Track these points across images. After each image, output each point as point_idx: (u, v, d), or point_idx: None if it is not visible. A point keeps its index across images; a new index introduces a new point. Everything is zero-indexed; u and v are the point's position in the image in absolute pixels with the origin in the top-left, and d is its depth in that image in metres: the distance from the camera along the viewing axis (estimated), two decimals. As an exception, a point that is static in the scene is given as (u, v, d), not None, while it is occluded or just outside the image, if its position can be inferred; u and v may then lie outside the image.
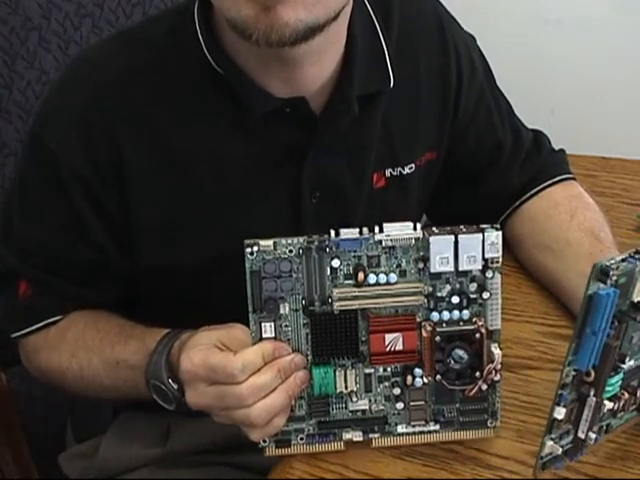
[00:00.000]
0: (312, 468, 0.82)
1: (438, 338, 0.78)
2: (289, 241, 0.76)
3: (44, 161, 0.91)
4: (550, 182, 1.09)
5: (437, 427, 0.82)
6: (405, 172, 1.01)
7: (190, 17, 0.90)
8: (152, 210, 0.91)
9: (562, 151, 1.14)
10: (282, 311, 0.77)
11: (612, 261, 0.71)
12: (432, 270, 0.77)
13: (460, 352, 0.78)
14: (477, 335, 0.78)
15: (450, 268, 0.77)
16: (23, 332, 0.96)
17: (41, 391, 1.25)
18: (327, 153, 0.93)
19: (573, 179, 1.12)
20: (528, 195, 1.09)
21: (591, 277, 0.70)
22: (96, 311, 0.96)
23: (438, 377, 0.79)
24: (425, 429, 0.82)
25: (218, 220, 0.93)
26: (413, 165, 1.01)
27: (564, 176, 1.11)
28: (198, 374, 0.77)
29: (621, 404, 0.79)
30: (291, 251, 0.76)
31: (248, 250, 0.75)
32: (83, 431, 1.12)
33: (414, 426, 0.82)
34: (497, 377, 0.80)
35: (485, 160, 1.08)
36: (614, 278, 0.71)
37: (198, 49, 0.89)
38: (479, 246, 0.77)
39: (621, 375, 0.77)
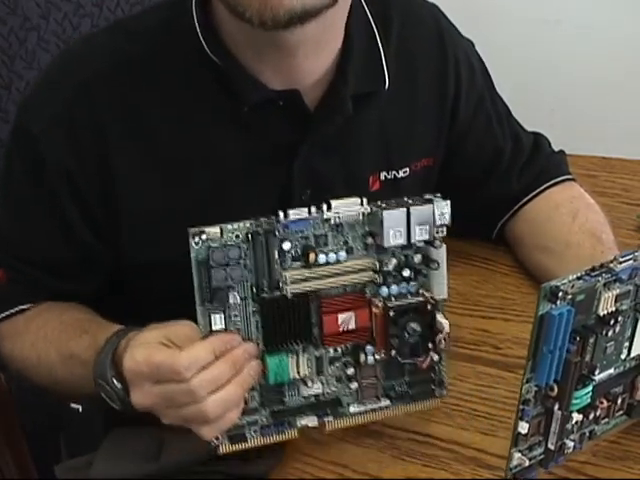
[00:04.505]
0: (312, 468, 0.82)
1: (392, 313, 0.78)
2: (235, 226, 0.74)
3: (27, 151, 0.91)
4: (550, 183, 1.09)
5: (388, 402, 0.82)
6: (399, 176, 1.00)
7: (186, 8, 0.90)
8: (139, 204, 0.90)
9: (562, 152, 1.14)
10: (231, 300, 0.76)
11: (563, 281, 0.70)
12: (386, 245, 0.77)
13: (414, 325, 0.78)
14: (429, 307, 0.79)
15: (403, 241, 0.78)
16: None
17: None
18: (319, 151, 0.93)
19: (573, 180, 1.12)
20: (529, 197, 1.09)
21: (540, 298, 0.70)
22: (65, 303, 0.95)
23: (393, 352, 0.79)
24: (377, 406, 0.82)
25: (206, 215, 0.92)
26: (408, 169, 1.01)
27: (564, 177, 1.11)
28: (142, 372, 0.75)
29: (598, 413, 0.79)
30: (238, 236, 0.75)
31: (194, 239, 0.74)
32: (75, 447, 1.11)
33: (366, 404, 0.82)
34: (443, 345, 0.80)
35: (485, 166, 1.08)
36: (569, 297, 0.70)
37: (194, 39, 0.89)
38: (430, 216, 0.77)
39: (590, 387, 0.76)
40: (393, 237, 0.77)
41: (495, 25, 1.88)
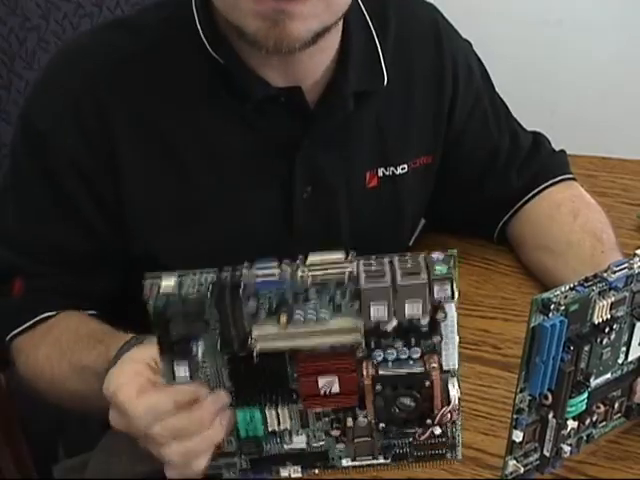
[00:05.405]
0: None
1: (379, 387, 0.66)
2: (195, 277, 0.64)
3: (34, 144, 0.90)
4: (550, 182, 1.09)
5: (388, 461, 0.72)
6: (398, 172, 1.01)
7: (188, 5, 0.90)
8: (144, 198, 0.90)
9: (562, 152, 1.14)
10: (196, 351, 0.66)
11: (555, 293, 0.69)
12: (372, 319, 0.63)
13: (406, 400, 0.66)
14: (427, 383, 0.66)
15: (388, 318, 0.64)
16: (16, 331, 0.93)
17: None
18: (320, 147, 0.94)
19: (574, 179, 1.11)
20: (529, 196, 1.09)
21: (532, 310, 0.68)
22: (82, 315, 0.93)
23: (381, 425, 0.69)
24: (373, 462, 0.72)
25: (207, 211, 0.92)
26: (406, 166, 1.01)
27: (564, 176, 1.10)
28: (109, 402, 0.72)
29: (594, 418, 0.78)
30: (199, 290, 0.64)
31: (150, 289, 0.64)
32: (73, 447, 1.11)
33: (360, 460, 0.72)
34: (456, 417, 0.69)
35: (482, 165, 1.08)
36: (562, 308, 0.69)
37: (195, 36, 0.89)
38: (424, 290, 0.62)
39: (585, 394, 0.75)
40: (376, 312, 0.63)
41: (495, 25, 1.88)
